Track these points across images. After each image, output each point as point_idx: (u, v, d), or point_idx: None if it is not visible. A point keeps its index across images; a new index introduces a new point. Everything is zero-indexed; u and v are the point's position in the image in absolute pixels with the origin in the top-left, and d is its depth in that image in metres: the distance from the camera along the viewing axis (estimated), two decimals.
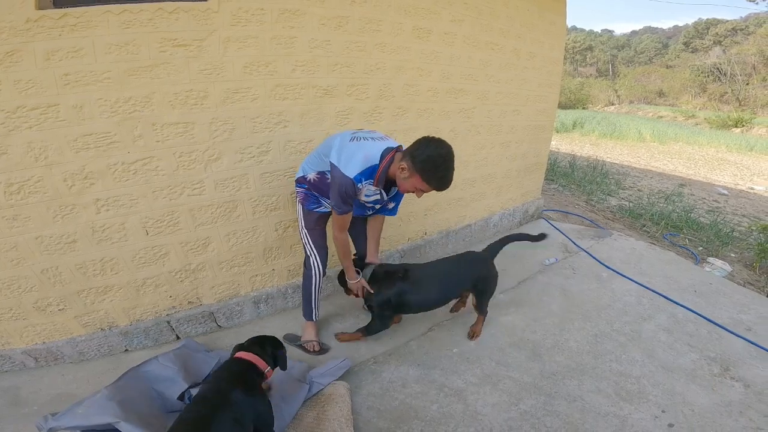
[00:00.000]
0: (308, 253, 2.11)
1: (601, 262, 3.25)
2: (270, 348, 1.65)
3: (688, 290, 2.91)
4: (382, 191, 1.86)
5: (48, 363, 2.13)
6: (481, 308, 2.33)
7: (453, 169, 1.70)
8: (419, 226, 3.14)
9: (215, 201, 2.15)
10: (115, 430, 1.54)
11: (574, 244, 3.59)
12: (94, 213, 1.91)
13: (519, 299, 2.77)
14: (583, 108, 29.26)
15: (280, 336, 2.34)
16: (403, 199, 2.14)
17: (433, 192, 2.89)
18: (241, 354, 1.57)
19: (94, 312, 2.10)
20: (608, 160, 9.11)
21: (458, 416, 1.85)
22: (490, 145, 3.41)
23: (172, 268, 2.17)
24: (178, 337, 2.30)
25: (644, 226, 4.59)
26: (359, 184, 1.75)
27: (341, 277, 2.26)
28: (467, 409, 1.89)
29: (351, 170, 1.72)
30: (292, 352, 2.24)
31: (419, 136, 2.76)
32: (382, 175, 1.77)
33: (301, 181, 2.01)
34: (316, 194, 1.98)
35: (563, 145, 11.59)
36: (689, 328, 2.48)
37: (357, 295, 2.19)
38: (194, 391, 1.75)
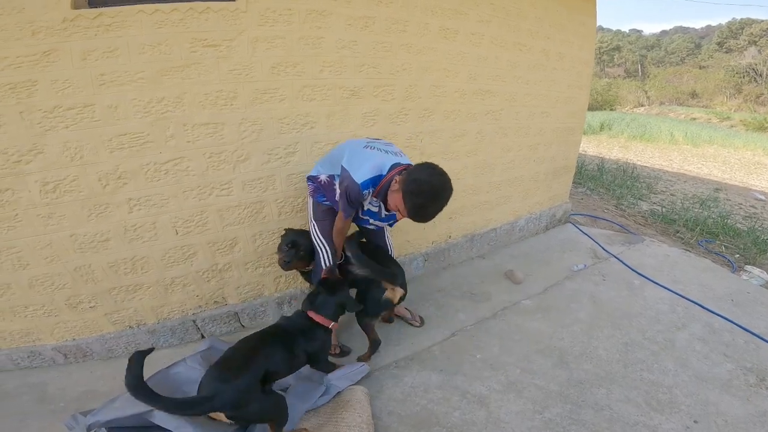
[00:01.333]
0: (318, 247, 2.10)
1: (632, 269, 3.14)
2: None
3: (725, 299, 2.78)
4: (381, 205, 1.85)
5: (77, 360, 2.18)
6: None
7: (438, 204, 1.64)
8: (444, 230, 3.10)
9: (243, 202, 2.17)
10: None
11: (604, 249, 3.48)
12: (126, 212, 1.95)
13: (546, 305, 2.70)
14: (611, 109, 28.47)
15: None
16: None
17: (460, 194, 2.85)
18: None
19: (124, 310, 2.15)
20: (638, 163, 8.81)
21: (480, 423, 1.80)
22: (517, 148, 3.34)
23: (199, 267, 2.20)
24: (203, 336, 2.33)
25: (678, 231, 4.41)
26: (365, 191, 1.75)
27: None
28: (490, 416, 1.85)
29: (360, 176, 1.73)
30: None
31: (445, 138, 2.78)
32: (384, 187, 1.76)
33: (312, 179, 2.03)
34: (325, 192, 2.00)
35: (590, 147, 11.30)
36: (725, 338, 2.38)
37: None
38: None
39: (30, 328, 2.06)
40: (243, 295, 2.39)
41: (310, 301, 1.86)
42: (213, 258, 2.21)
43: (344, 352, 2.22)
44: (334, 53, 2.17)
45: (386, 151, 1.84)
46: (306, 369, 2.03)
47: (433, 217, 1.68)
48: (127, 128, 1.83)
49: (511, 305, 2.69)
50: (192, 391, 1.79)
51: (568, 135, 3.79)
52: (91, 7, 1.67)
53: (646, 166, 8.52)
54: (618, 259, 3.30)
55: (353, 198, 1.76)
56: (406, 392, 1.98)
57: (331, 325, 1.84)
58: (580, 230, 3.90)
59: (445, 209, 1.66)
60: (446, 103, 2.71)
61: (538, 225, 3.85)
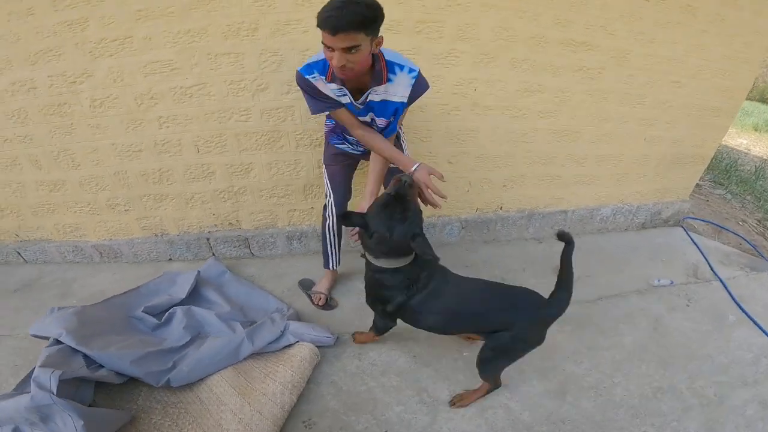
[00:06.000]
0: (325, 193, 2.06)
1: (734, 299, 2.38)
2: None
3: None
4: (349, 94, 1.58)
5: (109, 260, 2.64)
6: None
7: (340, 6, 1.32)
8: (493, 198, 2.71)
9: (260, 129, 2.24)
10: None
11: (710, 268, 2.69)
12: (156, 128, 2.20)
13: (586, 317, 2.21)
14: None
15: (296, 280, 2.37)
16: (401, 117, 1.72)
17: (521, 160, 2.70)
18: None
19: (152, 217, 2.50)
20: None
21: (416, 430, 1.59)
22: (619, 118, 2.65)
23: (217, 187, 2.39)
24: (213, 255, 2.58)
25: None
26: (309, 76, 1.55)
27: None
28: (430, 427, 1.61)
29: (304, 65, 1.56)
30: (296, 299, 2.25)
31: (510, 91, 2.43)
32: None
33: (330, 116, 1.89)
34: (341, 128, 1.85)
35: (758, 146, 8.34)
36: None
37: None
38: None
39: (79, 223, 2.54)
40: (256, 222, 2.54)
41: None
42: (230, 180, 2.37)
43: (330, 305, 2.18)
44: None
45: None
46: (274, 311, 2.04)
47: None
48: (159, 56, 2.02)
49: None
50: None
51: (709, 116, 2.85)
52: None
53: None
54: (723, 283, 2.53)
55: (302, 86, 1.60)
56: (363, 368, 1.84)
57: None
58: (690, 237, 3.06)
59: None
60: (516, 49, 2.24)
61: (631, 220, 3.13)
